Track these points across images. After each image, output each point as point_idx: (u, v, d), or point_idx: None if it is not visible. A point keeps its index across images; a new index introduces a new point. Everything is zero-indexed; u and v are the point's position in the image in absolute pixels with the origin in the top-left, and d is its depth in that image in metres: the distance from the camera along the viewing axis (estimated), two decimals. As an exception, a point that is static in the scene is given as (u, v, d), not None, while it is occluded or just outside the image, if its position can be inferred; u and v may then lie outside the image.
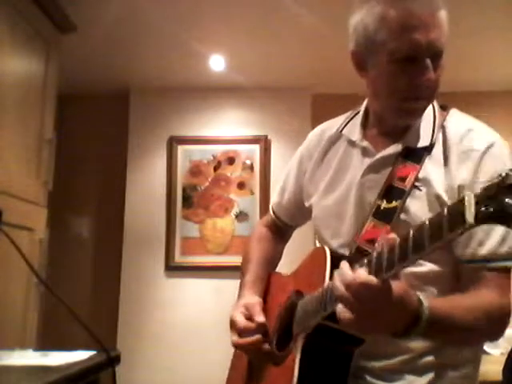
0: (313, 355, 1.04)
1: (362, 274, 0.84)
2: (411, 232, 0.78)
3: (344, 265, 0.88)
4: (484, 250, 1.02)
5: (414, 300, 0.88)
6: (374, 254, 0.86)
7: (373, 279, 0.82)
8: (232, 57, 3.37)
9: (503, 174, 0.63)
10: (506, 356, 2.05)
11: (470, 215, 0.65)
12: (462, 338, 1.02)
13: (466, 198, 0.66)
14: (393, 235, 0.83)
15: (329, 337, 1.01)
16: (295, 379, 1.01)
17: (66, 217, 3.81)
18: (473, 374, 1.13)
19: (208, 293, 3.57)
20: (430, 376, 1.08)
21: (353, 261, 0.90)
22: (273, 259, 1.41)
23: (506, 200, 0.61)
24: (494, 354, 2.70)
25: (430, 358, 1.09)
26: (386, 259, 0.82)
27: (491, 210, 0.63)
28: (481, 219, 0.64)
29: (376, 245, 0.92)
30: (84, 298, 3.68)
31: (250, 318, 1.19)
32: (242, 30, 3.02)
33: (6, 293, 2.10)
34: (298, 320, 1.10)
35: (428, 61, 1.03)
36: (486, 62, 3.33)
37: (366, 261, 0.87)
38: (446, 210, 0.71)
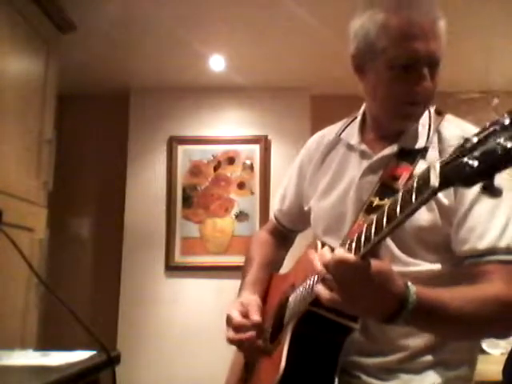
0: (301, 343, 1.06)
1: (340, 251, 0.86)
2: (386, 206, 0.81)
3: (324, 247, 0.91)
4: (484, 244, 1.02)
5: (400, 283, 0.87)
6: (355, 236, 0.88)
7: (350, 255, 0.84)
8: (232, 57, 3.37)
9: (463, 141, 0.65)
10: (506, 356, 2.05)
11: (434, 179, 0.67)
12: (460, 329, 0.98)
13: (432, 165, 0.69)
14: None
15: (316, 324, 1.03)
16: (283, 366, 1.03)
17: (65, 217, 3.80)
18: (469, 374, 1.13)
19: (208, 293, 3.58)
20: (426, 376, 1.08)
21: None
22: (274, 263, 1.41)
23: (465, 160, 0.62)
24: (494, 353, 2.70)
25: (426, 358, 1.09)
26: (364, 235, 0.85)
27: (453, 172, 0.65)
28: (444, 182, 0.67)
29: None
30: (84, 298, 3.67)
31: (246, 315, 1.20)
32: (242, 30, 3.02)
33: (6, 293, 2.10)
34: (289, 311, 1.13)
35: (426, 70, 1.06)
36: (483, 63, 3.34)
37: (348, 242, 0.90)
38: (415, 180, 0.73)
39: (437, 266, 1.08)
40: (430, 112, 1.17)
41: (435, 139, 1.12)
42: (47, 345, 2.62)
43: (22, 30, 2.25)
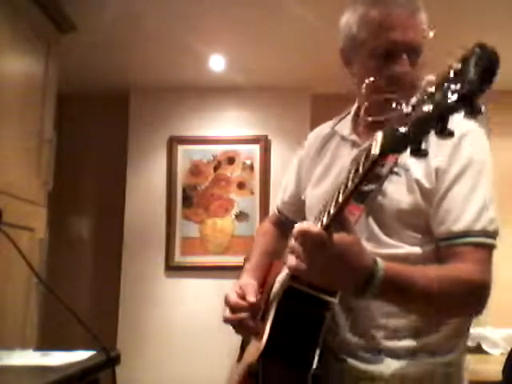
0: (284, 318, 1.10)
1: (303, 223, 0.92)
2: (344, 181, 0.87)
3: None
4: (459, 226, 1.06)
5: (368, 258, 0.91)
6: (322, 208, 0.94)
7: (310, 226, 0.90)
8: (232, 57, 3.37)
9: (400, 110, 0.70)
10: (506, 356, 2.06)
11: (374, 149, 0.74)
12: (429, 306, 1.02)
13: (375, 136, 0.75)
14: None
15: (297, 299, 1.07)
16: (265, 340, 1.08)
17: (65, 217, 3.81)
18: (458, 361, 1.15)
19: (208, 293, 3.57)
20: (412, 361, 1.10)
21: None
22: (275, 252, 1.46)
23: (397, 128, 0.69)
24: (493, 353, 2.71)
25: (410, 342, 1.11)
26: (327, 208, 0.92)
27: (388, 140, 0.71)
28: (382, 151, 0.73)
29: None
30: (84, 298, 3.68)
31: (242, 296, 1.24)
32: (241, 30, 3.02)
33: (6, 293, 2.10)
34: (274, 289, 1.20)
35: (404, 55, 1.11)
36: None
37: (318, 217, 0.96)
38: (364, 153, 0.81)
39: (417, 249, 1.11)
40: None
41: None
42: (47, 345, 2.62)
43: (22, 30, 2.25)
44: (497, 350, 2.72)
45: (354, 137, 1.25)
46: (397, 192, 1.11)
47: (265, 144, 3.74)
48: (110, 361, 1.31)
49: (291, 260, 0.92)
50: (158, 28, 2.95)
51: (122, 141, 3.79)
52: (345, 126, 1.30)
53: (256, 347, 1.15)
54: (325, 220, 0.90)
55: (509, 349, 2.13)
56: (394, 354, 1.11)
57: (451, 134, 0.64)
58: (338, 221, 0.89)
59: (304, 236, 0.88)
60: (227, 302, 1.25)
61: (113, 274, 3.67)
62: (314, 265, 0.89)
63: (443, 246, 1.08)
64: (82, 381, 1.24)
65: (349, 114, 1.32)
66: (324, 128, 1.38)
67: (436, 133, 0.64)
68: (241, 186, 3.73)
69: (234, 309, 1.23)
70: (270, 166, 3.73)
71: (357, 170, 0.82)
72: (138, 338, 3.57)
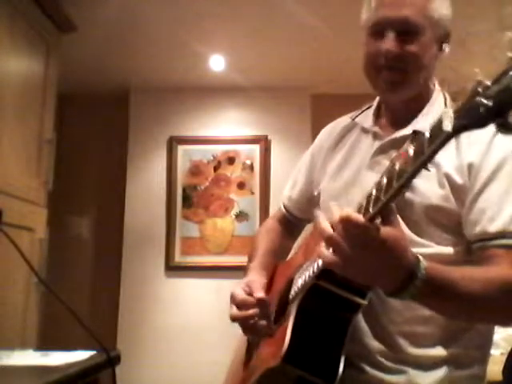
0: (307, 319, 1.02)
1: (347, 211, 0.82)
2: (397, 164, 0.78)
3: (332, 206, 0.86)
4: (494, 227, 1.00)
5: (411, 255, 0.85)
6: (365, 199, 0.85)
7: (357, 215, 0.81)
8: (232, 57, 3.37)
9: (475, 84, 0.65)
10: (506, 356, 2.05)
11: (447, 125, 0.67)
12: (466, 310, 0.95)
13: (444, 111, 0.69)
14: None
15: (323, 300, 1.00)
16: (288, 340, 0.99)
17: (66, 217, 3.81)
18: (480, 374, 1.10)
19: (208, 293, 3.58)
20: (436, 373, 1.05)
21: None
22: (280, 251, 1.40)
23: (479, 100, 0.63)
24: (493, 354, 2.70)
25: (435, 352, 1.06)
26: (374, 196, 0.82)
27: (467, 114, 0.65)
28: (457, 126, 0.66)
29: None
30: (84, 298, 3.68)
31: (250, 293, 1.19)
32: (242, 30, 3.03)
33: (6, 293, 2.10)
34: (294, 289, 1.11)
35: (391, 33, 1.09)
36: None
37: (357, 205, 0.87)
38: (427, 133, 0.72)
39: (448, 249, 1.06)
40: (445, 97, 1.17)
41: None
42: (47, 345, 2.62)
43: (22, 30, 2.25)
44: (497, 350, 2.72)
45: (376, 128, 1.20)
46: (427, 187, 1.04)
47: (265, 144, 3.74)
48: (110, 361, 1.30)
49: (326, 252, 0.83)
50: (158, 28, 2.95)
51: (122, 141, 3.80)
52: (366, 118, 1.25)
53: (270, 352, 1.08)
54: (371, 209, 0.81)
55: (509, 349, 2.13)
56: (418, 365, 1.05)
57: None
58: (384, 212, 0.81)
59: (348, 224, 0.80)
60: (234, 299, 1.19)
61: (113, 274, 3.68)
62: (354, 258, 0.81)
63: (477, 248, 1.03)
64: (82, 381, 1.24)
65: (371, 107, 1.27)
66: (341, 122, 1.33)
67: None
68: (241, 186, 3.73)
69: (241, 306, 1.17)
70: (270, 166, 3.73)
71: (418, 154, 0.73)
72: (138, 338, 3.57)
